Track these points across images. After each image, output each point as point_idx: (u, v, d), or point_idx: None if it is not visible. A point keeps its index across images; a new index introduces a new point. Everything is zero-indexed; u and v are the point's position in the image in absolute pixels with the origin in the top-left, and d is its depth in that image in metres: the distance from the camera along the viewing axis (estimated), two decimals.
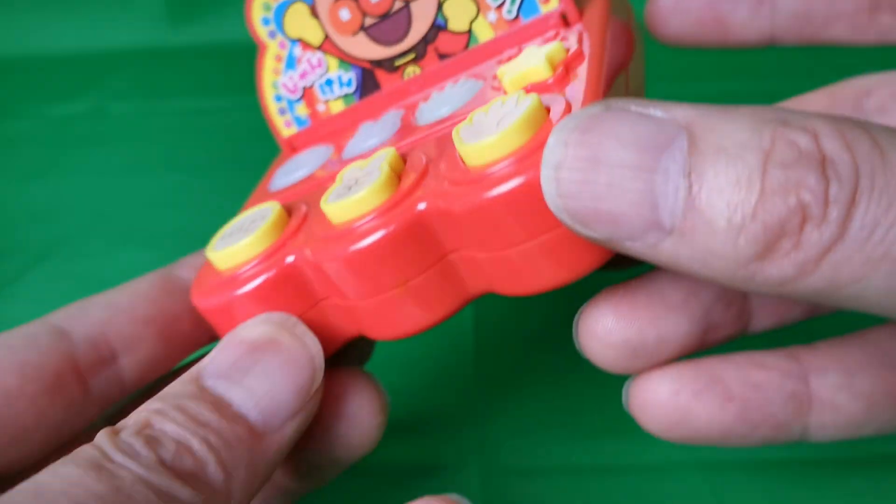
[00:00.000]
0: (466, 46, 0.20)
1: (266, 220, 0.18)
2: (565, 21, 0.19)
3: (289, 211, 0.19)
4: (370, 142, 0.20)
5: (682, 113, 0.12)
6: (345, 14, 0.20)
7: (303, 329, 0.17)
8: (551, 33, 0.19)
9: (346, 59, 0.21)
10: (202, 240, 0.21)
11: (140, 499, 0.13)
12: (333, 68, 0.21)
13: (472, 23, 0.20)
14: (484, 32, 0.20)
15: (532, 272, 0.16)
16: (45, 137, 0.40)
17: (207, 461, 0.14)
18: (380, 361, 0.25)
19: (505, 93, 0.17)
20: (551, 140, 0.13)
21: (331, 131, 0.22)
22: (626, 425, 0.27)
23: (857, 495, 0.24)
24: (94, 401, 0.19)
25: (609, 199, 0.12)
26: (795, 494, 0.25)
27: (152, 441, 0.14)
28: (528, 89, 0.17)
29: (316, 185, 0.20)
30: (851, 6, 0.18)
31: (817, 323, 0.20)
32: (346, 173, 0.18)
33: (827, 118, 0.12)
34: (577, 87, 0.16)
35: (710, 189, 0.12)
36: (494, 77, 0.19)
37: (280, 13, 0.21)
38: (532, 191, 0.14)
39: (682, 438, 0.19)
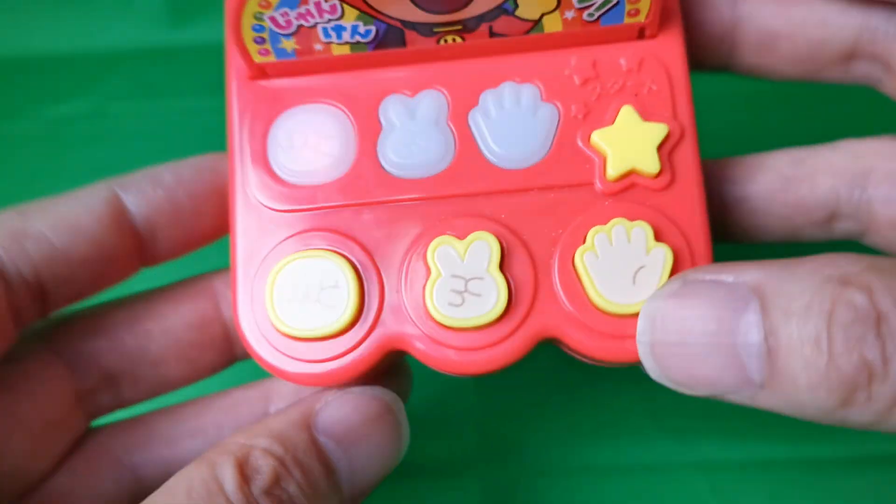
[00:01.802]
0: (526, 33, 0.18)
1: (345, 293, 0.17)
2: (641, 35, 0.18)
3: (353, 267, 0.18)
4: (420, 157, 0.18)
5: (750, 276, 0.14)
6: None
7: (403, 413, 0.18)
8: (629, 64, 0.18)
9: (370, 14, 0.17)
10: None
11: None
12: (350, 18, 0.17)
13: (544, 15, 0.18)
14: (553, 25, 0.18)
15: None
16: (45, 137, 0.40)
17: None
18: None
19: (603, 161, 0.18)
20: (641, 322, 0.15)
21: (325, 74, 0.19)
22: (626, 425, 0.27)
23: (857, 495, 0.24)
24: (17, 327, 0.19)
25: (701, 367, 0.14)
26: (795, 494, 0.25)
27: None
28: (643, 184, 0.18)
29: (363, 204, 0.18)
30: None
31: None
32: (440, 256, 0.17)
33: (881, 274, 0.13)
34: (681, 193, 0.18)
35: (787, 352, 0.13)
36: (585, 130, 0.18)
37: None
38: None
39: None
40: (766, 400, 0.14)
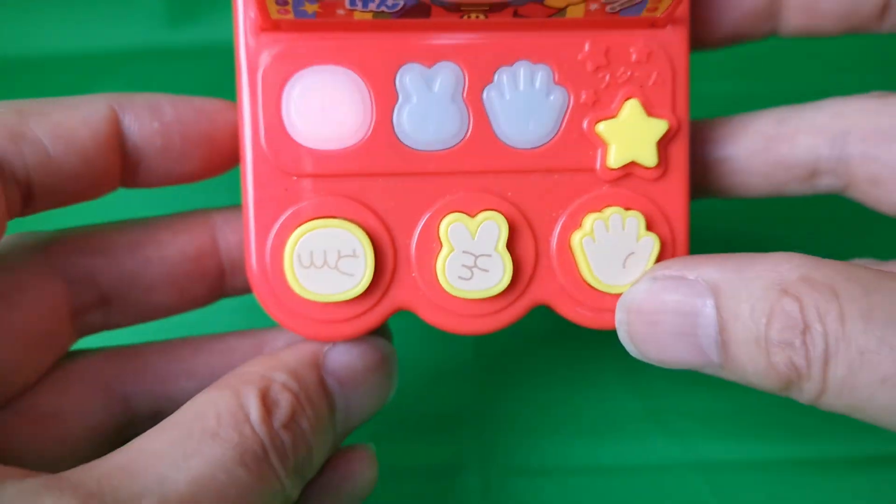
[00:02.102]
0: (549, 17, 0.19)
1: (362, 263, 0.18)
2: (652, 25, 0.19)
3: (370, 236, 0.19)
4: (436, 130, 0.19)
5: (708, 275, 0.16)
6: None
7: (396, 364, 0.20)
8: (639, 49, 0.19)
9: None
10: None
11: (273, 499, 0.16)
12: None
13: (568, 3, 0.18)
14: (575, 13, 0.18)
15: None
16: None
17: (318, 457, 0.18)
18: None
19: (605, 149, 0.19)
20: (618, 313, 0.18)
21: (344, 37, 0.19)
22: (626, 425, 0.27)
23: (857, 495, 0.24)
24: (2, 223, 0.19)
25: (670, 350, 0.17)
26: (795, 494, 0.25)
27: (297, 442, 0.17)
28: (640, 175, 0.19)
29: (380, 173, 0.19)
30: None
31: None
32: (453, 233, 0.19)
33: (811, 287, 0.15)
34: (672, 183, 0.19)
35: (736, 345, 0.16)
36: (592, 119, 0.19)
37: None
38: None
39: None
40: (728, 375, 0.17)
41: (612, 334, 0.19)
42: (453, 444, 0.27)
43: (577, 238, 0.19)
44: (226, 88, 0.46)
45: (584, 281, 0.19)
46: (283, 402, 0.17)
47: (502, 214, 0.19)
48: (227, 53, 0.46)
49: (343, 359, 0.19)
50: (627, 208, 0.19)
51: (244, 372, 0.17)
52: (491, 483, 0.25)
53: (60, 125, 0.18)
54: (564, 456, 0.26)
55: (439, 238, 0.19)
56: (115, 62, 0.42)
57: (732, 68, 0.47)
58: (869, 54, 0.47)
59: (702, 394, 0.28)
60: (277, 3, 0.17)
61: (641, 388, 0.28)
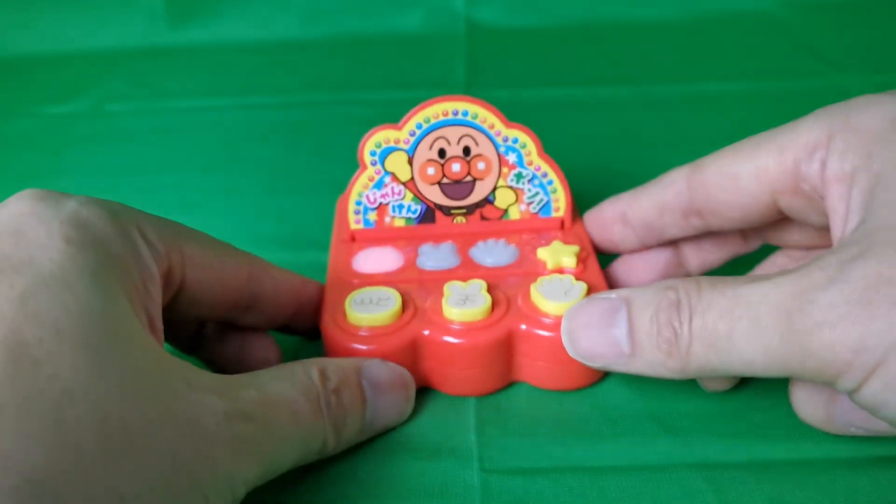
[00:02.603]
0: (501, 217, 0.33)
1: (394, 302, 0.28)
2: (562, 226, 0.33)
3: (402, 297, 0.29)
4: (441, 263, 0.31)
5: (623, 293, 0.24)
6: (430, 171, 0.31)
7: (413, 388, 0.28)
8: (558, 234, 0.33)
9: (419, 197, 0.32)
10: None
11: (317, 435, 0.24)
12: (408, 199, 0.32)
13: (509, 206, 0.32)
14: (514, 213, 0.33)
15: (561, 380, 0.29)
16: (45, 137, 0.40)
17: (351, 429, 0.25)
18: None
19: (544, 263, 0.31)
20: (564, 322, 0.25)
21: (390, 238, 0.32)
22: (626, 425, 0.27)
23: (857, 495, 0.24)
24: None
25: (595, 346, 0.24)
26: (795, 494, 0.24)
27: (338, 405, 0.25)
28: (568, 272, 0.30)
29: (406, 281, 0.30)
30: (672, 218, 0.30)
31: None
32: (452, 287, 0.29)
33: (685, 283, 0.23)
34: (591, 274, 0.30)
35: (639, 331, 0.23)
36: (534, 253, 0.31)
37: (385, 153, 0.31)
38: None
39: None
40: (634, 364, 0.24)
41: None
42: (452, 444, 0.27)
43: (532, 287, 0.28)
44: (224, 87, 0.46)
45: (539, 309, 0.28)
46: (333, 378, 0.25)
47: (484, 281, 0.29)
48: (226, 53, 0.46)
49: (375, 371, 0.26)
50: (562, 274, 0.30)
51: (307, 360, 0.25)
52: (491, 483, 0.25)
53: (286, 282, 0.28)
54: (564, 456, 0.26)
55: (442, 294, 0.28)
56: (115, 62, 0.43)
57: (738, 69, 0.47)
58: (870, 54, 0.47)
59: (702, 394, 0.28)
60: (355, 212, 0.32)
61: (641, 388, 0.28)
